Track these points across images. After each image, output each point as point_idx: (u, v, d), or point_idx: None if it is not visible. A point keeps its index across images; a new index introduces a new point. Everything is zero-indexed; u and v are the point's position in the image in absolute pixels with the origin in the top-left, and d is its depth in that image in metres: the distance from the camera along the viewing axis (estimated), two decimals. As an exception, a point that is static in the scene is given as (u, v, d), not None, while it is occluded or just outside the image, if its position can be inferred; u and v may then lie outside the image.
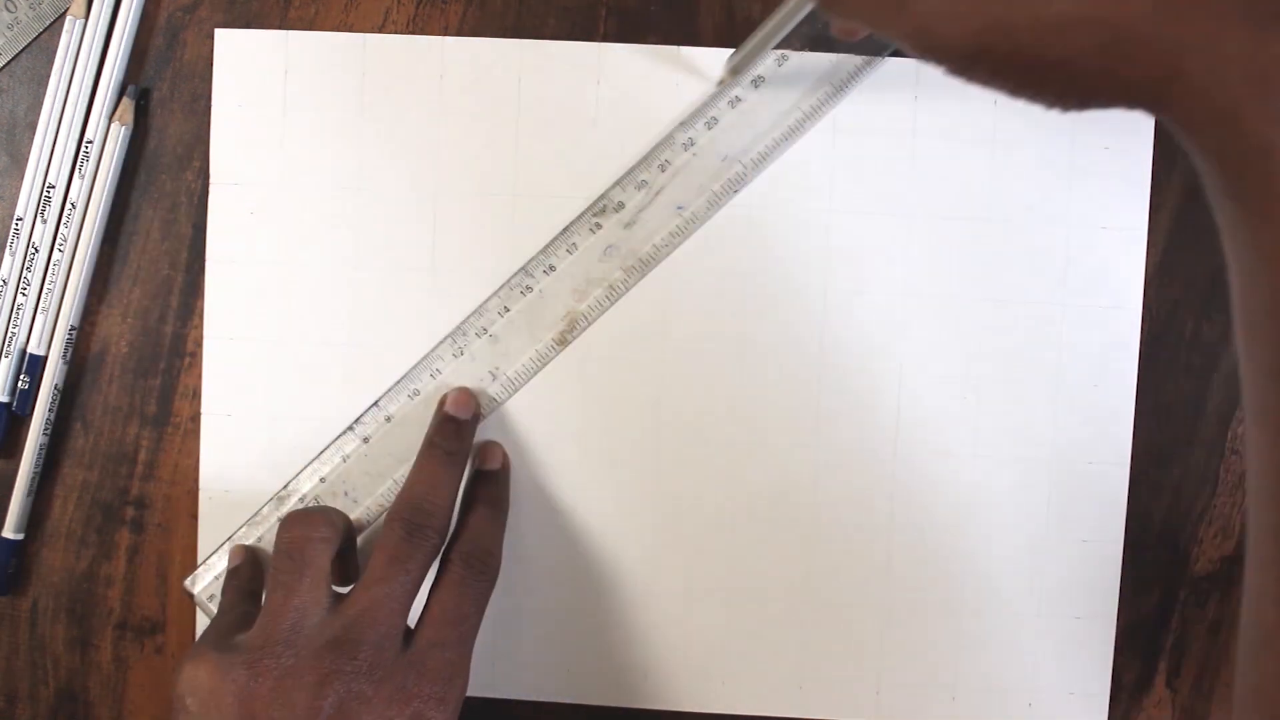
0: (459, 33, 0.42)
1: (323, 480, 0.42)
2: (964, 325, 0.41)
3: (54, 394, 0.43)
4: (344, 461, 0.42)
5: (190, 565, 0.43)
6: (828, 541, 0.42)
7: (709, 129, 0.41)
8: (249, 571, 0.41)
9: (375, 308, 0.42)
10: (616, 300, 0.41)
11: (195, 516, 0.43)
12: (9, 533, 0.43)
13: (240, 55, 0.42)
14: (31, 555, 0.44)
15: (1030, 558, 0.40)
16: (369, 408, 0.42)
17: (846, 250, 0.41)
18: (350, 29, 0.42)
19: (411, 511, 0.38)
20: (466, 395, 0.41)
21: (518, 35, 0.42)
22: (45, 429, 0.43)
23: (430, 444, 0.40)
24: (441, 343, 0.42)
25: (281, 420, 0.43)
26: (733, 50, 0.40)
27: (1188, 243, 0.42)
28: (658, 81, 0.41)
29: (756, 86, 0.41)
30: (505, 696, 0.43)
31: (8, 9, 0.42)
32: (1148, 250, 0.41)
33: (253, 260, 0.42)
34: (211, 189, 0.42)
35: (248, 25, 0.42)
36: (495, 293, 0.42)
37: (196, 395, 0.43)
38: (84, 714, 0.44)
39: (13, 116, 0.43)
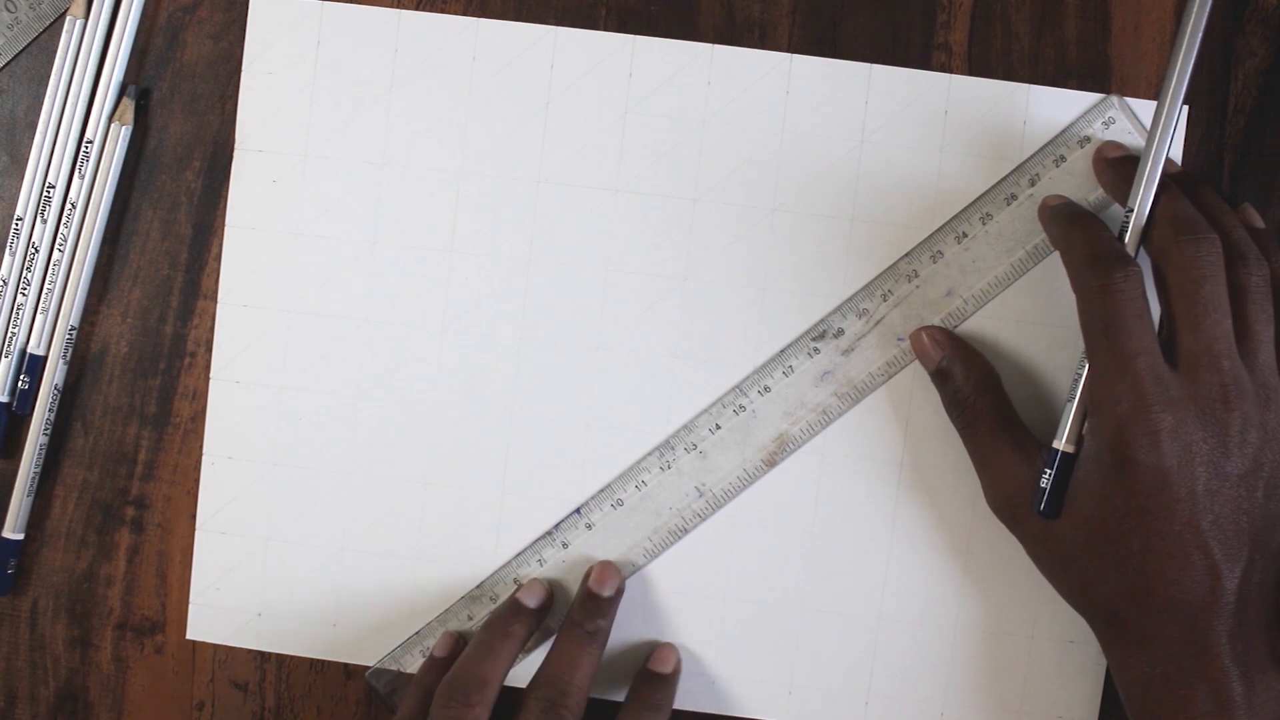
0: (459, 32, 0.42)
1: (516, 581, 0.42)
2: (973, 340, 0.41)
3: (54, 394, 0.43)
4: (540, 566, 0.42)
5: (190, 565, 0.43)
6: (824, 549, 0.41)
7: (934, 262, 0.40)
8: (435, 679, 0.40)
9: (391, 284, 0.42)
10: (829, 424, 0.41)
11: (195, 516, 0.43)
12: (9, 533, 0.43)
13: (274, 22, 0.42)
14: (31, 555, 0.44)
15: (1027, 577, 0.40)
16: (569, 514, 0.42)
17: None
18: (385, 4, 0.42)
19: (549, 690, 0.38)
20: (609, 571, 0.41)
21: (518, 35, 0.42)
22: (45, 429, 0.43)
23: (571, 622, 0.40)
24: (649, 455, 0.41)
25: (291, 391, 0.42)
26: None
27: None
28: (688, 80, 0.41)
29: (984, 223, 0.40)
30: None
31: (8, 9, 0.42)
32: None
33: (271, 229, 0.42)
34: (235, 154, 0.42)
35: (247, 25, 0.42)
36: (706, 409, 0.41)
37: (196, 395, 0.43)
38: (84, 714, 0.44)
39: (13, 116, 0.43)
